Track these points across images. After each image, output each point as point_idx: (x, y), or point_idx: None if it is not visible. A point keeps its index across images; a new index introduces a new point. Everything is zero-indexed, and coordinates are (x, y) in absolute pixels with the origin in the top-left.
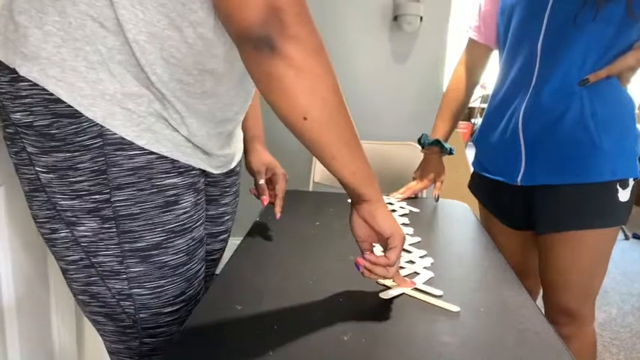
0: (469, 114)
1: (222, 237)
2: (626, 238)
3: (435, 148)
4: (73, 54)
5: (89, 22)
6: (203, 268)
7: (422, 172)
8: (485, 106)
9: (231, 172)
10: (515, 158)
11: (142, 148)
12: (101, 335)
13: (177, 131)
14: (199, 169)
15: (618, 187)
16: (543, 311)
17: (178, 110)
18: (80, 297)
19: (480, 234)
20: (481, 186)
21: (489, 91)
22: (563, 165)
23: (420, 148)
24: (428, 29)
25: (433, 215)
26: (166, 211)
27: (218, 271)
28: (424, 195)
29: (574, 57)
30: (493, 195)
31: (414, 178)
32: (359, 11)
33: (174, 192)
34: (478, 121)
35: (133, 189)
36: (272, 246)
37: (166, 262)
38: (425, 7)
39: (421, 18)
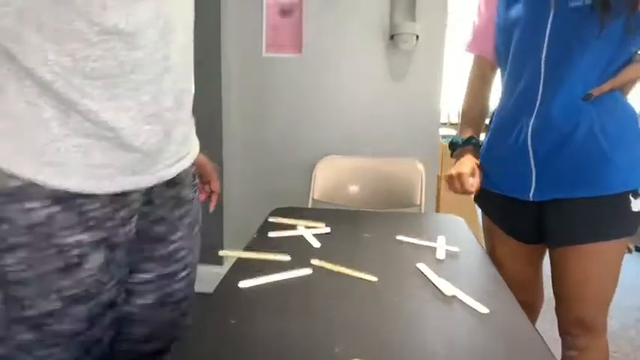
0: None
1: (181, 275)
2: (629, 251)
3: (468, 147)
4: None
5: None
6: (111, 333)
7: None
8: None
9: (178, 204)
10: (526, 174)
11: (43, 200)
12: None
13: (89, 152)
14: (121, 217)
15: (631, 197)
16: (557, 324)
17: (89, 108)
18: None
19: (475, 247)
20: (489, 200)
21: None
22: (575, 179)
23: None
24: (424, 47)
25: (430, 229)
26: (65, 276)
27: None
28: (422, 210)
29: (578, 72)
30: (503, 210)
31: (450, 176)
32: (357, 31)
33: (78, 252)
34: None
35: (27, 250)
36: (268, 261)
37: (61, 331)
38: (421, 26)
39: (417, 37)
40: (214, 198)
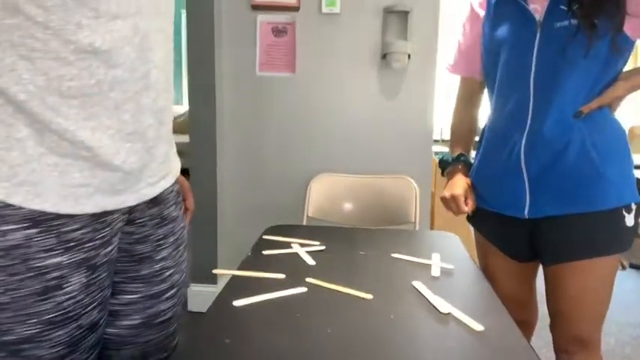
0: None
1: (167, 295)
2: (623, 268)
3: (459, 166)
4: None
5: None
6: (93, 355)
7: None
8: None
9: (161, 222)
10: (520, 191)
11: (19, 222)
12: None
13: (66, 172)
14: (101, 237)
15: (624, 212)
16: (551, 341)
17: (65, 127)
18: None
19: (469, 264)
20: (483, 219)
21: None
22: (570, 195)
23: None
24: (416, 66)
25: (424, 246)
26: (44, 299)
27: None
28: (416, 227)
29: (567, 91)
30: (497, 228)
31: (444, 199)
32: (349, 50)
33: (58, 274)
34: None
35: (3, 274)
36: (263, 279)
37: (41, 356)
38: (412, 45)
39: (409, 55)
40: (189, 216)
